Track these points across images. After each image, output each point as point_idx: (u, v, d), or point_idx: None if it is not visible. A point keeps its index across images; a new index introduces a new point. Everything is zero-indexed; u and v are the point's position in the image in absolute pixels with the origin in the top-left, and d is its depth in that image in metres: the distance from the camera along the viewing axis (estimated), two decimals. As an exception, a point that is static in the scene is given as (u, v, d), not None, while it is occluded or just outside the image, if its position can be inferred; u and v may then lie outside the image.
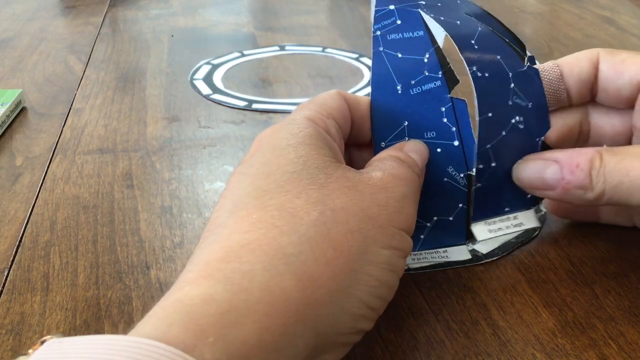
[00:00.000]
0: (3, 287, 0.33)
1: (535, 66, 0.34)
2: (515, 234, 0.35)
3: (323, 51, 0.66)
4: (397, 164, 0.29)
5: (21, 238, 0.37)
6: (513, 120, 0.33)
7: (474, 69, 0.32)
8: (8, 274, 0.34)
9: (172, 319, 0.21)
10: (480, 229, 0.34)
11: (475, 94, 0.32)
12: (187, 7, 0.82)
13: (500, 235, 0.34)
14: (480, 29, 0.33)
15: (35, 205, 0.40)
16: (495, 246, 0.34)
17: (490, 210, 0.34)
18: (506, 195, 0.34)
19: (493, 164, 0.33)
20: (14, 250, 0.36)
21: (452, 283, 0.32)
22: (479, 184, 0.33)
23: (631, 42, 0.68)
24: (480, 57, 0.33)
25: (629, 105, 0.33)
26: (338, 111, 0.31)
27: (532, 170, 0.32)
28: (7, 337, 0.29)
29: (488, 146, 0.33)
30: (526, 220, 0.35)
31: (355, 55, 0.64)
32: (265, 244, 0.24)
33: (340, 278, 0.24)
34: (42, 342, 0.20)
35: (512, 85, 0.33)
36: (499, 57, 0.33)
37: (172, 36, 0.71)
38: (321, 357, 0.24)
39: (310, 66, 0.62)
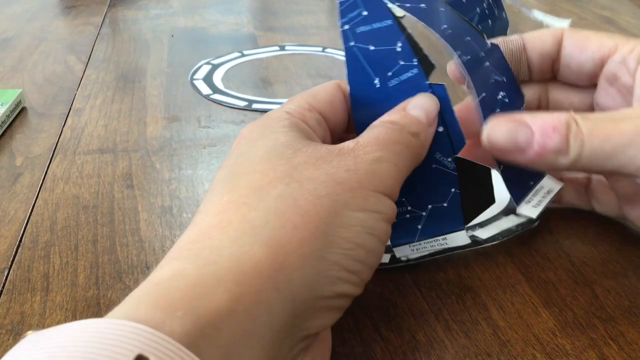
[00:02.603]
0: (3, 287, 0.33)
1: (499, 38, 0.34)
2: (545, 203, 0.34)
3: (323, 51, 0.66)
4: (382, 129, 0.28)
5: (21, 238, 0.37)
6: (499, 97, 0.33)
7: (459, 53, 0.31)
8: (8, 274, 0.34)
9: (141, 298, 0.21)
10: (527, 209, 0.33)
11: (467, 77, 0.31)
12: (187, 7, 0.82)
13: (545, 206, 0.34)
14: (442, 9, 0.33)
15: (35, 205, 0.40)
16: (496, 232, 0.34)
17: (521, 189, 0.34)
18: (525, 171, 0.33)
19: None
20: (14, 250, 0.36)
21: (452, 283, 0.32)
22: (502, 166, 0.33)
23: (631, 42, 0.68)
24: (457, 41, 0.32)
25: (590, 82, 0.34)
26: (328, 103, 0.31)
27: (504, 132, 0.30)
28: (7, 337, 0.29)
29: None
30: (551, 185, 0.35)
31: (355, 55, 0.64)
32: (235, 220, 0.24)
33: (311, 242, 0.24)
34: (24, 337, 0.20)
35: (487, 63, 0.33)
36: (468, 38, 0.33)
37: (172, 36, 0.71)
38: (305, 324, 0.24)
39: (310, 66, 0.62)
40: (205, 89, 0.57)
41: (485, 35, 0.34)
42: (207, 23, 0.76)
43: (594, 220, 0.37)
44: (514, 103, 0.33)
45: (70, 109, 0.54)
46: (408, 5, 0.32)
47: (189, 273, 0.22)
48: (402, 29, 0.31)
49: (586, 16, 0.76)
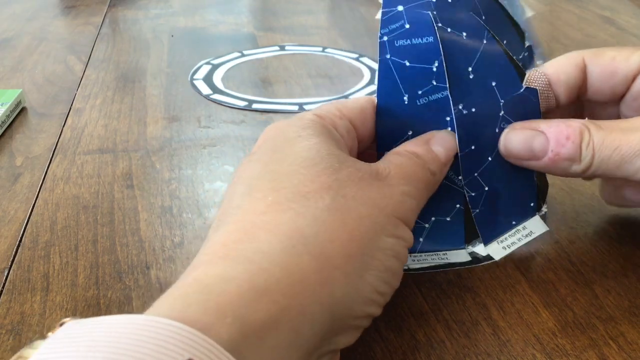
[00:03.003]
0: (3, 287, 0.33)
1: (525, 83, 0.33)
2: (518, 246, 0.34)
3: (323, 51, 0.66)
4: (408, 161, 0.29)
5: (21, 238, 0.37)
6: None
7: (460, 107, 0.32)
8: (8, 274, 0.34)
9: (190, 298, 0.21)
10: (495, 249, 0.34)
11: (455, 132, 0.32)
12: (187, 7, 0.82)
13: (517, 249, 0.34)
14: (485, 41, 0.32)
15: (35, 205, 0.40)
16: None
17: (497, 229, 0.34)
18: (509, 211, 0.34)
19: (486, 188, 0.33)
20: (14, 250, 0.36)
21: (452, 283, 0.32)
22: (477, 210, 0.33)
23: (631, 42, 0.68)
24: (471, 90, 0.32)
25: (620, 99, 0.34)
26: (358, 113, 0.31)
27: (520, 139, 0.32)
28: (7, 337, 0.29)
29: (475, 174, 0.33)
30: (535, 227, 0.35)
31: (355, 55, 0.64)
32: (283, 224, 0.24)
33: (354, 261, 0.24)
34: (61, 325, 0.20)
35: (502, 113, 0.33)
36: (494, 83, 0.32)
37: (172, 36, 0.71)
38: (334, 339, 0.24)
39: (310, 66, 0.62)
40: (205, 89, 0.57)
41: (525, 74, 0.33)
42: (207, 23, 0.76)
43: (594, 220, 0.37)
44: None
45: (70, 109, 0.54)
46: (449, 30, 0.31)
47: (239, 277, 0.22)
48: (442, 48, 0.31)
49: (586, 16, 0.76)
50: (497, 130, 0.33)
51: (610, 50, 0.34)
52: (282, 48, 0.67)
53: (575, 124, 0.31)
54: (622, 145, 0.29)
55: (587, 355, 0.28)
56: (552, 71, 0.34)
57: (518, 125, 0.32)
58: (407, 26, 0.31)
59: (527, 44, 0.34)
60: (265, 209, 0.25)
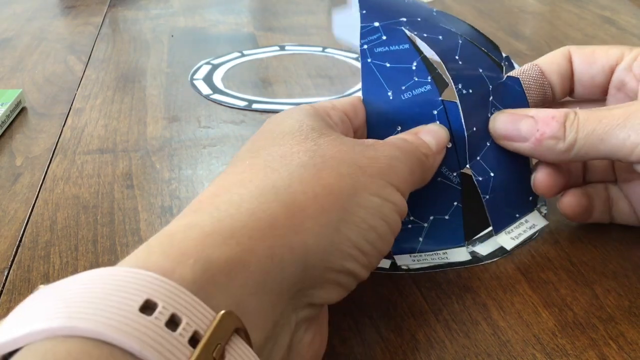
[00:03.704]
0: (3, 287, 0.33)
1: (515, 70, 0.35)
2: (524, 238, 0.35)
3: (323, 51, 0.66)
4: (396, 140, 0.30)
5: (21, 238, 0.37)
6: None
7: (460, 86, 0.33)
8: (8, 274, 0.34)
9: (153, 248, 0.21)
10: (504, 240, 0.34)
11: (461, 112, 0.33)
12: (187, 7, 0.82)
13: (524, 240, 0.35)
14: (460, 41, 0.34)
15: (35, 205, 0.40)
16: (494, 248, 0.34)
17: (505, 220, 0.35)
18: (513, 202, 0.35)
19: (492, 174, 0.34)
20: (14, 250, 0.36)
21: (452, 283, 0.32)
22: (487, 196, 0.34)
23: (631, 42, 0.68)
24: (465, 73, 0.33)
25: (603, 94, 0.35)
26: (349, 106, 0.32)
27: (508, 120, 0.33)
28: (7, 337, 0.29)
29: (478, 158, 0.33)
30: (536, 221, 0.36)
31: (355, 55, 0.64)
32: (257, 178, 0.25)
33: (329, 213, 0.25)
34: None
35: (491, 98, 0.34)
36: (480, 70, 0.34)
37: (172, 36, 0.71)
38: (310, 291, 0.24)
39: (310, 66, 0.62)
40: (205, 89, 0.57)
41: (504, 68, 0.35)
42: (207, 23, 0.76)
43: (594, 220, 0.37)
44: None
45: (70, 109, 0.54)
46: (425, 35, 0.34)
47: (204, 224, 0.22)
48: (419, 52, 0.33)
49: (586, 16, 0.76)
50: (489, 115, 0.34)
51: (594, 46, 0.36)
52: (282, 48, 0.67)
53: (563, 108, 0.32)
54: (604, 118, 0.30)
55: (587, 355, 0.28)
56: (543, 62, 0.36)
57: (508, 110, 0.34)
58: (384, 37, 0.34)
59: (504, 54, 0.36)
60: (242, 169, 0.26)
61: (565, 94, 0.36)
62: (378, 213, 0.26)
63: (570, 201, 0.35)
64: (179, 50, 0.67)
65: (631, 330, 0.29)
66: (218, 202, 0.24)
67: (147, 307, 0.18)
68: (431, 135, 0.31)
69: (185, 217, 0.24)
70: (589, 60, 0.35)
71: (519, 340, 0.29)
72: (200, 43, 0.69)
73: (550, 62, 0.35)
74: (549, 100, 0.36)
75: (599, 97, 0.36)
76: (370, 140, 0.29)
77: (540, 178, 0.34)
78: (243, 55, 0.65)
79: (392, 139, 0.31)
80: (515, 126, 0.32)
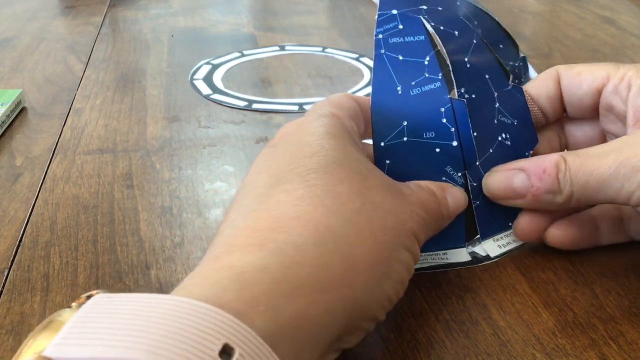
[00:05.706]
0: (3, 287, 0.33)
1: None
2: (511, 248, 0.35)
3: (323, 51, 0.66)
4: (425, 193, 0.30)
5: (21, 238, 0.37)
6: (500, 138, 0.34)
7: (462, 90, 0.33)
8: (8, 274, 0.34)
9: (226, 284, 0.21)
10: (491, 246, 0.34)
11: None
12: (187, 7, 0.82)
13: (511, 250, 0.34)
14: (475, 41, 0.34)
15: (35, 205, 0.40)
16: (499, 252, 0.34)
17: (494, 226, 0.35)
18: (506, 211, 0.34)
19: None
20: (14, 250, 0.36)
21: (452, 283, 0.32)
22: (477, 202, 0.33)
23: (631, 42, 0.68)
24: (470, 78, 0.34)
25: (594, 113, 0.35)
26: (353, 112, 0.32)
27: (501, 180, 0.33)
28: (7, 337, 0.29)
29: (477, 163, 0.33)
30: None
31: (355, 55, 0.64)
32: (316, 220, 0.25)
33: (377, 267, 0.25)
34: (88, 297, 0.20)
35: (497, 104, 0.34)
36: (487, 76, 0.34)
37: (172, 36, 0.71)
38: (346, 337, 0.25)
39: (310, 66, 0.62)
40: (205, 89, 0.57)
41: (510, 75, 0.35)
42: (207, 23, 0.76)
43: (594, 220, 0.37)
44: (518, 146, 0.34)
45: (70, 109, 0.54)
46: (442, 27, 0.34)
47: (273, 268, 0.22)
48: (433, 45, 0.33)
49: (586, 16, 0.76)
50: (495, 122, 0.34)
51: (580, 66, 0.35)
52: (282, 48, 0.67)
53: (551, 156, 0.31)
54: (596, 170, 0.30)
55: (587, 355, 0.28)
56: (532, 86, 0.36)
57: (497, 168, 0.33)
58: (401, 27, 0.33)
59: (521, 54, 0.36)
60: (296, 202, 0.25)
61: (557, 116, 0.36)
62: (407, 266, 0.27)
63: (555, 234, 0.33)
64: (179, 50, 0.67)
65: (631, 330, 0.29)
66: (282, 243, 0.23)
67: (225, 352, 0.18)
68: (452, 197, 0.32)
69: (249, 253, 0.23)
70: (575, 82, 0.35)
71: (519, 340, 0.29)
72: (200, 43, 0.69)
73: (539, 87, 0.35)
74: (541, 123, 0.36)
75: (590, 116, 0.35)
76: (405, 186, 0.30)
77: (524, 223, 0.34)
78: (243, 55, 0.65)
79: (422, 188, 0.31)
80: (509, 185, 0.32)
